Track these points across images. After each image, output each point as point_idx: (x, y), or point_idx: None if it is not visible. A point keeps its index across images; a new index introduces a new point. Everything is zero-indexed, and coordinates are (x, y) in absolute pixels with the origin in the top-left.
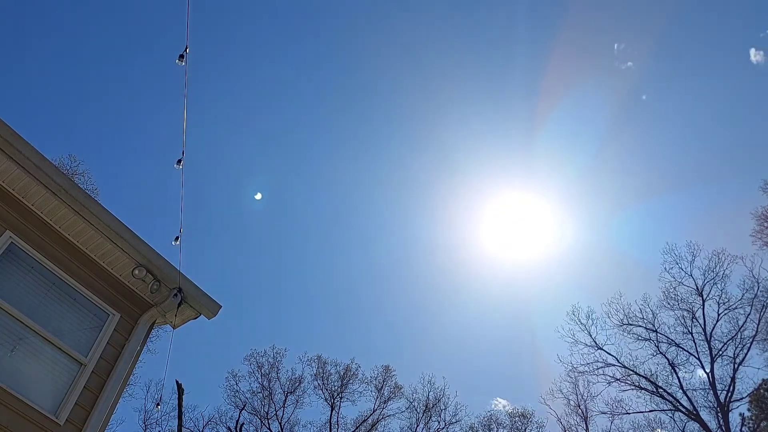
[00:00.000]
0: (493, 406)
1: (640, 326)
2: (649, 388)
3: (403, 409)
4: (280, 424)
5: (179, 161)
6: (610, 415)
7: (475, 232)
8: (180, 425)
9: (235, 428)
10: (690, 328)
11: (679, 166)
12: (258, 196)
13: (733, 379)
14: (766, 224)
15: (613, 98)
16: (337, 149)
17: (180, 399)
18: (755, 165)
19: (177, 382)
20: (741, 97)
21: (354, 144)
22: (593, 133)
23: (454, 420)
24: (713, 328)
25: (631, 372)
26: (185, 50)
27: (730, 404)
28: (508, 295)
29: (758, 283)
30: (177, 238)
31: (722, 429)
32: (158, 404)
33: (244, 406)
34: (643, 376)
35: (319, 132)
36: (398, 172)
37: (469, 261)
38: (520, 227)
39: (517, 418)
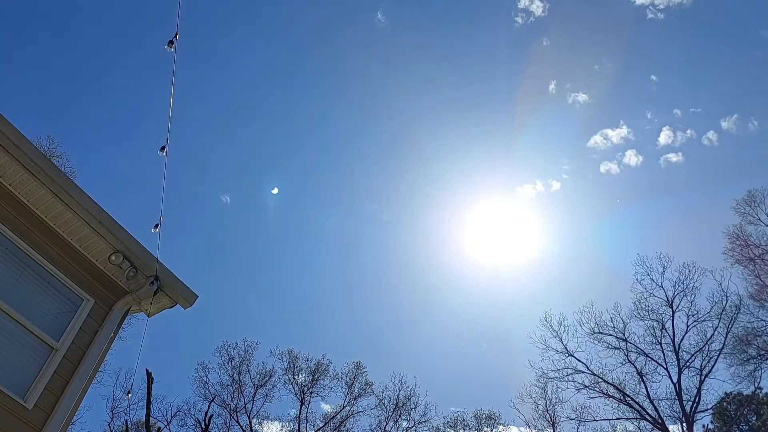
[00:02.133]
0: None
1: (610, 335)
2: (617, 396)
3: (373, 406)
4: (249, 417)
5: (163, 148)
6: (578, 421)
7: (454, 237)
8: (148, 415)
9: (204, 420)
10: (659, 339)
11: (657, 177)
12: (275, 191)
13: (699, 390)
14: (737, 242)
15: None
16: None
17: (149, 388)
18: (735, 176)
19: (147, 371)
20: (721, 106)
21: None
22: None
23: (423, 419)
24: (682, 339)
25: (600, 380)
26: (175, 36)
27: (695, 415)
28: (484, 300)
29: (727, 297)
30: (156, 226)
31: None
32: (129, 393)
33: (213, 398)
34: (612, 384)
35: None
36: (381, 176)
37: (445, 265)
38: (497, 233)
39: (483, 420)
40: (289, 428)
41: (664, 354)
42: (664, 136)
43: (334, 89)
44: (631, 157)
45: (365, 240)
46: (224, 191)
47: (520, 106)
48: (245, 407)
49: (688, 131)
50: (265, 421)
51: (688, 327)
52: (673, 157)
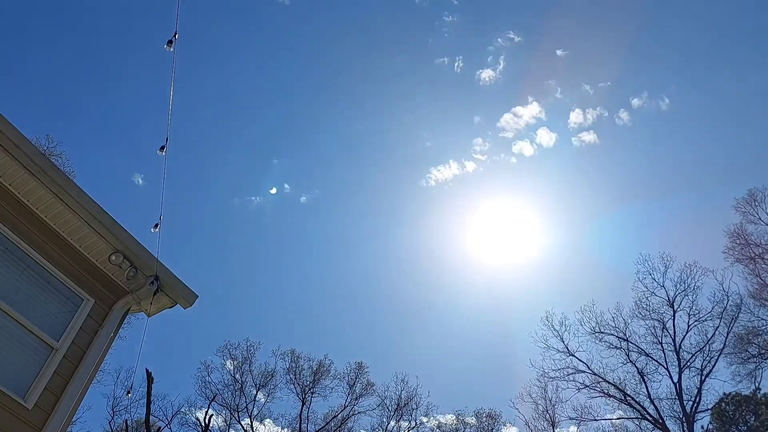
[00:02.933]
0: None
1: (611, 335)
2: (618, 395)
3: (375, 406)
4: (250, 417)
5: (162, 148)
6: (578, 421)
7: (463, 239)
8: (148, 414)
9: (204, 419)
10: (660, 338)
11: (657, 176)
12: (273, 191)
13: (699, 390)
14: (737, 241)
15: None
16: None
17: (149, 388)
18: (736, 176)
19: (147, 370)
20: (721, 109)
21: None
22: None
23: (425, 419)
24: (683, 339)
25: (601, 379)
26: (174, 36)
27: (696, 415)
28: (487, 300)
29: (728, 297)
30: (156, 226)
31: None
32: (129, 392)
33: (214, 397)
34: (612, 384)
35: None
36: (382, 176)
37: (449, 265)
38: (501, 233)
39: (484, 419)
40: (290, 428)
41: (664, 354)
42: (575, 115)
43: (333, 88)
44: (544, 136)
45: (366, 240)
46: (224, 191)
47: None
48: (246, 407)
49: (598, 109)
50: (266, 421)
51: (689, 327)
52: (586, 136)
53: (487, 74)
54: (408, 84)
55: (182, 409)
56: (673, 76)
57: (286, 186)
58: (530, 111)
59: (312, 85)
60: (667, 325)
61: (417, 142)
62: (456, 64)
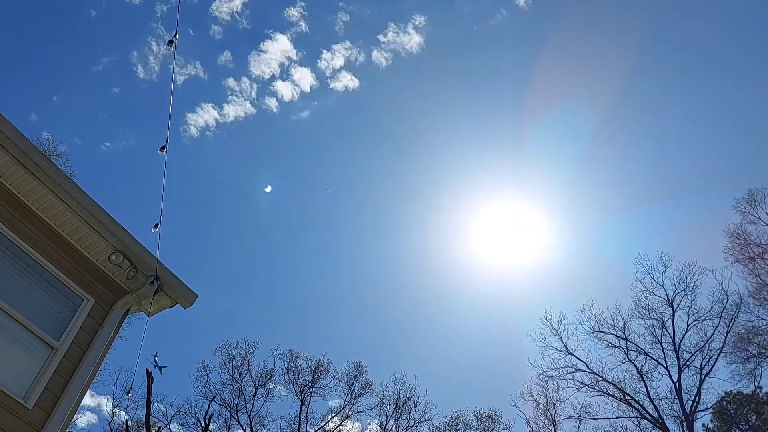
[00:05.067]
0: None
1: (610, 334)
2: (617, 394)
3: (373, 405)
4: (249, 416)
5: (163, 147)
6: (578, 420)
7: (465, 239)
8: (148, 414)
9: (204, 419)
10: (659, 338)
11: (661, 179)
12: (268, 189)
13: (699, 389)
14: (737, 241)
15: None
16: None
17: (149, 388)
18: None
19: (147, 370)
20: (722, 111)
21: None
22: (578, 144)
23: (423, 419)
24: (682, 338)
25: (600, 378)
26: (175, 36)
27: (695, 414)
28: (492, 300)
29: (727, 296)
30: (156, 225)
31: None
32: (129, 392)
33: (214, 397)
34: (612, 383)
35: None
36: (388, 179)
37: (453, 266)
38: (507, 235)
39: (483, 419)
40: (289, 428)
41: (664, 353)
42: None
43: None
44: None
45: (366, 239)
46: (225, 190)
47: None
48: (246, 406)
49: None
50: (265, 421)
51: (688, 326)
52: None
53: None
54: None
55: (182, 409)
56: (673, 76)
57: (285, 185)
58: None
59: None
60: (667, 325)
61: None
62: None
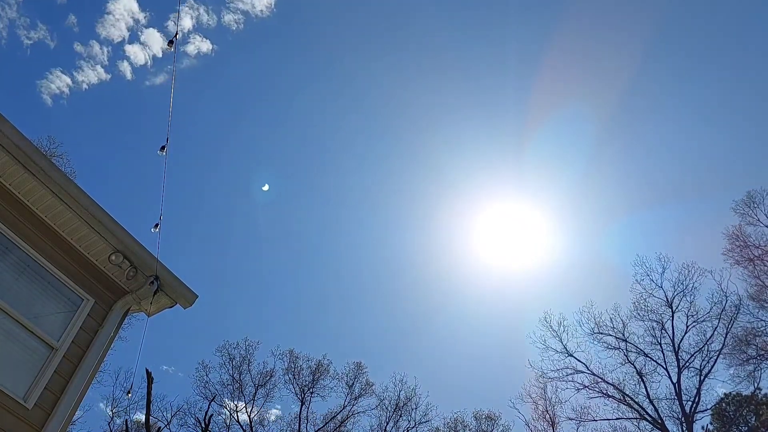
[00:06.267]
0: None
1: (610, 335)
2: (617, 396)
3: (374, 406)
4: (249, 417)
5: (163, 148)
6: (577, 422)
7: (466, 240)
8: (148, 414)
9: (204, 420)
10: (659, 339)
11: (661, 180)
12: (265, 188)
13: (698, 390)
14: (737, 243)
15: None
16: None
17: (149, 388)
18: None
19: (147, 371)
20: (722, 112)
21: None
22: (581, 146)
23: (424, 420)
24: (681, 339)
25: (600, 380)
26: (175, 36)
27: (695, 415)
28: (492, 301)
29: (726, 298)
30: (156, 225)
31: None
32: (129, 392)
33: (214, 397)
34: (611, 384)
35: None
36: (390, 179)
37: (453, 266)
38: (509, 236)
39: (483, 421)
40: (289, 428)
41: (663, 354)
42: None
43: (332, 88)
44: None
45: (367, 239)
46: (225, 190)
47: None
48: (245, 407)
49: None
50: (265, 421)
51: (687, 327)
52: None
53: None
54: None
55: (181, 409)
56: (672, 77)
57: (283, 184)
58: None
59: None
60: (666, 326)
61: None
62: None
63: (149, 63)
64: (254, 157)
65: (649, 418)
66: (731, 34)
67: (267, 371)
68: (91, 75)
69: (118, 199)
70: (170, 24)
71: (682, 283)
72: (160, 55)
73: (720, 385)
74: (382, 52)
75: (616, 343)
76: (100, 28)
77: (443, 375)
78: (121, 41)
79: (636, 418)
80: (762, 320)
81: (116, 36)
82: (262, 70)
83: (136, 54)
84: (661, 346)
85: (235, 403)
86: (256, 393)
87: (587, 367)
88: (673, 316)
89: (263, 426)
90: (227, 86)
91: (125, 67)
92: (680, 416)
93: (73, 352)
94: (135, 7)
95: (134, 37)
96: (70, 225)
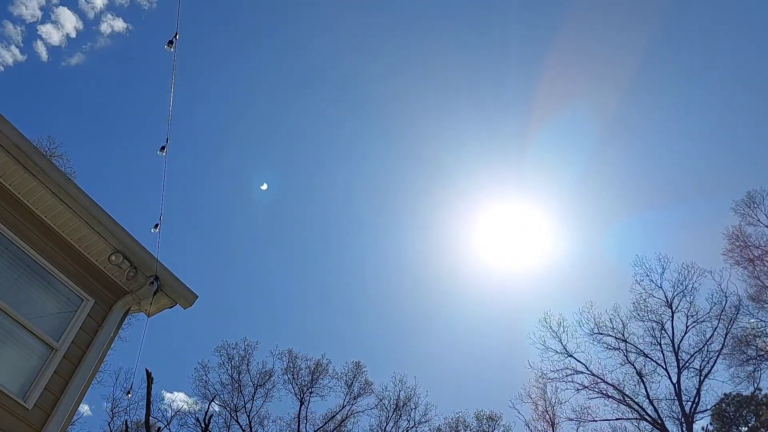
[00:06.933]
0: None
1: (610, 335)
2: (617, 396)
3: (373, 406)
4: (248, 417)
5: (163, 148)
6: (577, 422)
7: (467, 240)
8: (148, 415)
9: (204, 420)
10: (659, 339)
11: (661, 181)
12: (264, 187)
13: (698, 390)
14: (737, 243)
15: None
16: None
17: (149, 388)
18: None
19: (147, 371)
20: (722, 113)
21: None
22: (582, 147)
23: (423, 420)
24: (681, 339)
25: (600, 380)
26: (175, 36)
27: (695, 415)
28: (493, 301)
29: (726, 298)
30: (156, 226)
31: None
32: (129, 393)
33: (213, 398)
34: (611, 385)
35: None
36: (390, 179)
37: (454, 266)
38: (510, 237)
39: (484, 421)
40: (289, 428)
41: (663, 354)
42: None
43: (332, 88)
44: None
45: (366, 239)
46: (225, 190)
47: None
48: (245, 407)
49: None
50: (264, 421)
51: (687, 327)
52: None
53: None
54: None
55: (181, 410)
56: (673, 78)
57: (282, 183)
58: None
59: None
60: (666, 326)
61: None
62: None
63: (64, 44)
64: (253, 157)
65: (648, 419)
66: (732, 34)
67: (266, 371)
68: (7, 56)
69: (118, 199)
70: (81, 1)
71: (681, 284)
72: (74, 35)
73: (720, 385)
74: (382, 53)
75: (616, 343)
76: (12, 7)
77: (443, 375)
78: (35, 21)
79: (636, 419)
80: (762, 321)
81: (29, 16)
82: (262, 70)
83: (50, 34)
84: (660, 347)
85: (234, 402)
86: (255, 393)
87: (587, 368)
88: (672, 317)
89: (263, 426)
90: (227, 86)
91: (41, 48)
92: (680, 416)
93: (73, 352)
94: None
95: (46, 17)
96: (70, 225)
